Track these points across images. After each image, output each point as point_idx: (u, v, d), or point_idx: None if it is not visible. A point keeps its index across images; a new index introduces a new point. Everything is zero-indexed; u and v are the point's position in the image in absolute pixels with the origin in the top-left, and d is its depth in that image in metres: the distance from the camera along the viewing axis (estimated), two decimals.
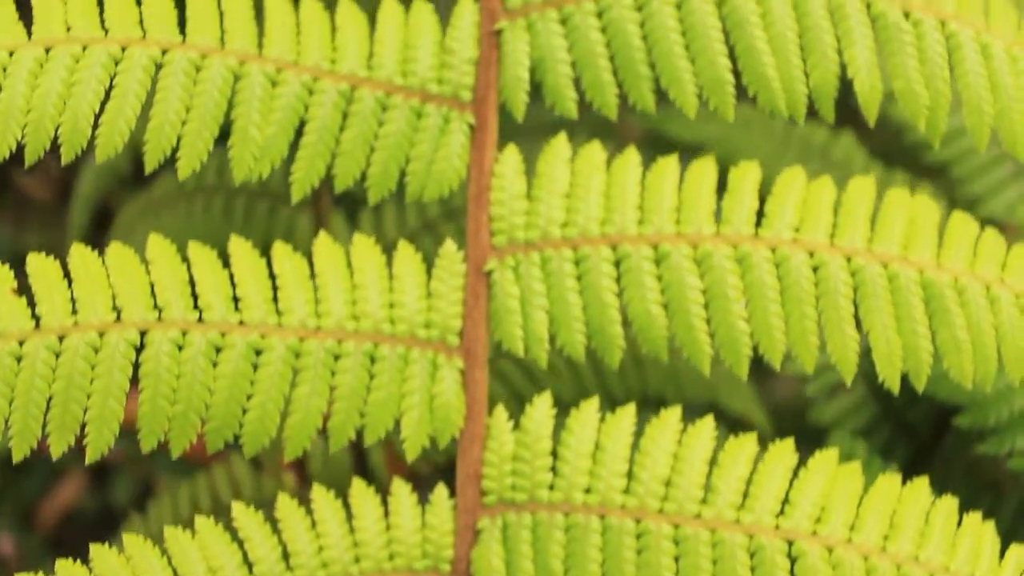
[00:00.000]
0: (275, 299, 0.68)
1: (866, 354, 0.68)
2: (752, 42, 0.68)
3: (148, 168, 0.66)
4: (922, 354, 0.68)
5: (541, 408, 0.69)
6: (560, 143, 0.70)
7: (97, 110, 0.66)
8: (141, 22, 0.67)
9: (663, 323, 0.68)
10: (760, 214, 0.69)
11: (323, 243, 0.69)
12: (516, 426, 0.69)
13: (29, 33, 0.67)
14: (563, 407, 0.70)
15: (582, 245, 0.68)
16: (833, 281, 0.68)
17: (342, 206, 1.05)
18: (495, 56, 0.70)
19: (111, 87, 0.66)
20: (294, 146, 0.69)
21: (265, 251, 0.69)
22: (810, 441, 0.75)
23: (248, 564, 0.67)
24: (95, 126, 0.66)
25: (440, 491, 0.69)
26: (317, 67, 0.69)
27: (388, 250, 0.70)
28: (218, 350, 0.67)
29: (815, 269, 0.68)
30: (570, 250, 0.68)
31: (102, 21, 0.67)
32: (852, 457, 0.84)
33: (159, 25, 0.67)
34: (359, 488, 0.69)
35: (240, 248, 0.68)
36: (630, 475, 0.68)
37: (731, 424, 0.88)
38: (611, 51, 0.69)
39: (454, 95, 0.70)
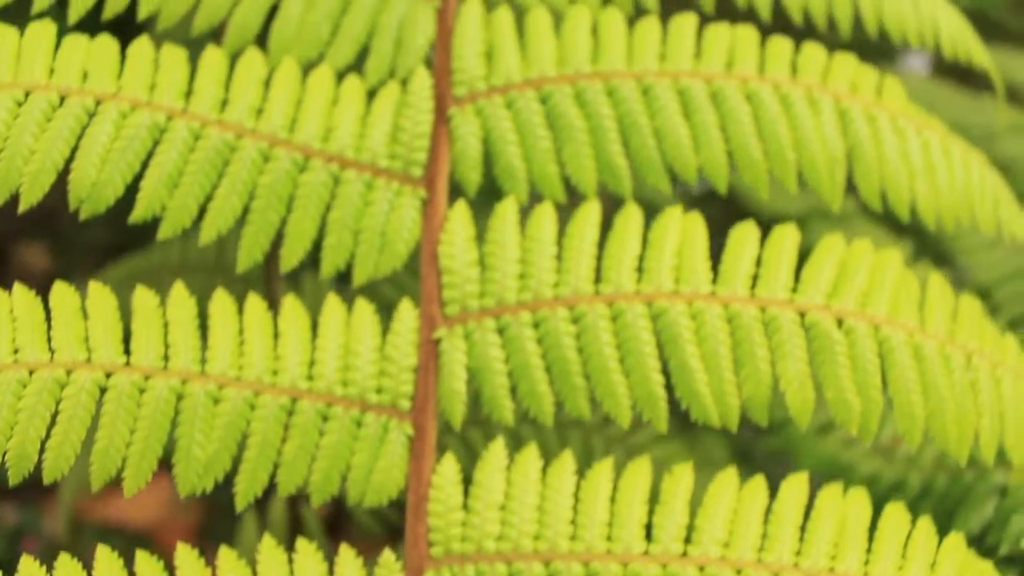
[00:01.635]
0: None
1: None
2: (685, 359, 0.70)
3: (95, 488, 0.68)
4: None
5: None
6: (497, 449, 0.71)
7: (44, 436, 0.68)
8: (87, 340, 0.70)
9: None
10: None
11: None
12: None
13: None
14: None
15: (515, 560, 0.70)
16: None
17: None
18: (434, 364, 0.72)
19: (57, 411, 0.68)
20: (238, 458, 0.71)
21: None
22: None
23: None
24: (42, 450, 0.68)
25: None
26: (259, 380, 0.71)
27: None
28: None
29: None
30: (504, 564, 0.70)
31: (49, 341, 0.69)
32: None
33: (104, 345, 0.70)
34: (304, 547, 0.70)
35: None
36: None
37: None
38: (547, 362, 0.71)
39: (393, 404, 0.72)
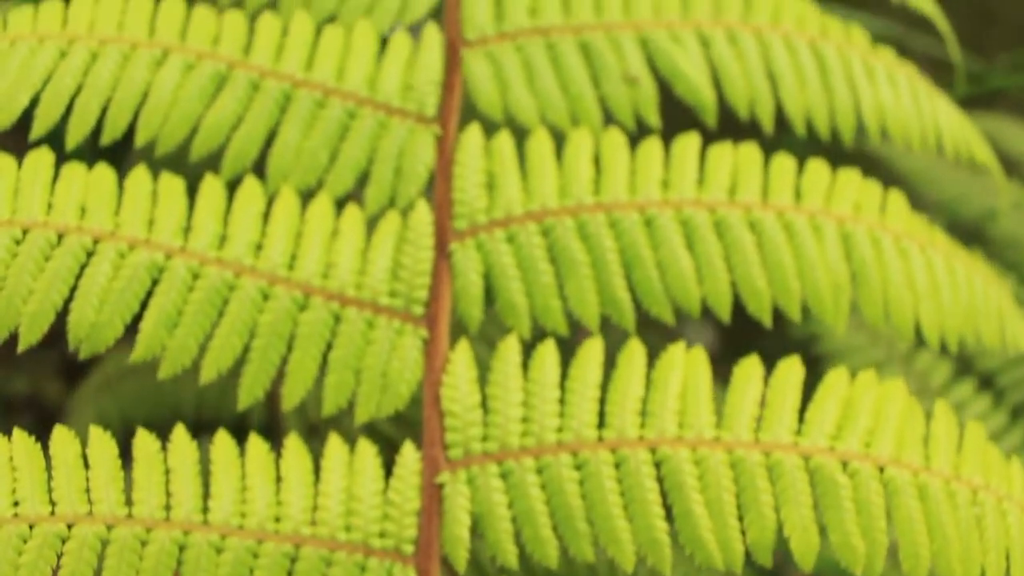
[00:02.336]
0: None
1: None
2: (689, 506, 0.69)
3: None
4: None
5: None
6: None
7: None
8: (88, 491, 0.69)
9: None
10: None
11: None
12: None
13: None
14: None
15: None
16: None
17: None
18: (437, 508, 0.72)
19: (58, 565, 0.68)
20: None
21: None
22: None
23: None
24: None
25: None
26: (262, 528, 0.70)
27: None
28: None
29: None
30: None
31: (50, 492, 0.69)
32: None
33: (106, 498, 0.69)
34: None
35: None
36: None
37: None
38: (551, 508, 0.70)
39: (396, 549, 0.71)
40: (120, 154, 0.80)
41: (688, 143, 0.78)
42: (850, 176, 0.80)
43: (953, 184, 1.14)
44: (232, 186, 0.77)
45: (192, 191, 0.74)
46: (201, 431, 0.80)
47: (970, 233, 1.12)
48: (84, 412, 1.26)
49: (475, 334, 0.74)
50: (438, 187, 0.77)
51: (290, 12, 0.83)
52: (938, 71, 1.08)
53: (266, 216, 0.75)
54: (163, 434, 0.71)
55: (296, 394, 0.73)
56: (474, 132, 0.77)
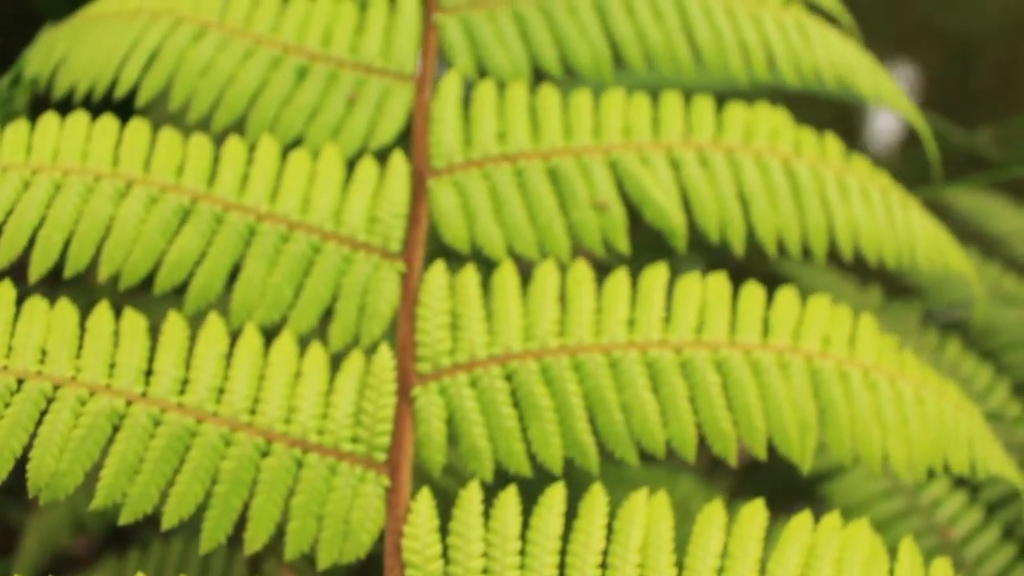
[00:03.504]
0: None
1: None
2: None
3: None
4: None
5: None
6: None
7: None
8: None
9: None
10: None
11: None
12: None
13: None
14: None
15: None
16: None
17: None
18: None
19: None
20: None
21: None
22: None
23: None
24: None
25: None
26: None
27: None
28: None
29: None
30: None
31: None
32: None
33: None
34: None
35: None
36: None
37: None
38: None
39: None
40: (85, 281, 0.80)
41: (655, 276, 0.78)
42: (820, 307, 0.79)
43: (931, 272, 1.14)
44: (196, 320, 0.76)
45: (155, 336, 0.74)
46: None
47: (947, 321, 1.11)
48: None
49: (437, 479, 0.74)
50: (402, 327, 0.76)
51: (257, 135, 0.82)
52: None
53: (229, 357, 0.74)
54: None
55: (259, 539, 0.72)
56: (438, 271, 0.77)
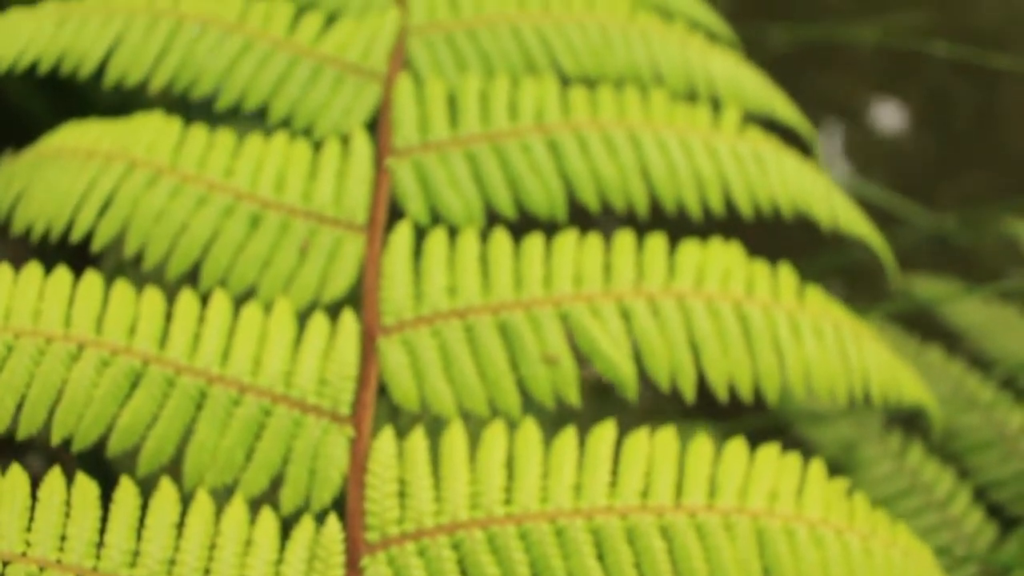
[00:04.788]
0: None
1: None
2: None
3: None
4: None
5: None
6: None
7: None
8: None
9: None
10: None
11: None
12: None
13: None
14: None
15: None
16: None
17: None
18: None
19: None
20: None
21: None
22: None
23: None
24: None
25: None
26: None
27: None
28: None
29: None
30: None
31: None
32: None
33: None
34: None
35: None
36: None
37: None
38: None
39: None
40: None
41: (602, 436, 0.78)
42: (768, 460, 0.80)
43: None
44: (149, 483, 0.77)
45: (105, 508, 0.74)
46: None
47: (909, 421, 1.12)
48: None
49: None
50: (351, 495, 0.77)
51: (211, 284, 0.83)
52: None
53: (180, 526, 0.75)
54: None
55: None
56: (387, 438, 0.77)
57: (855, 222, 0.96)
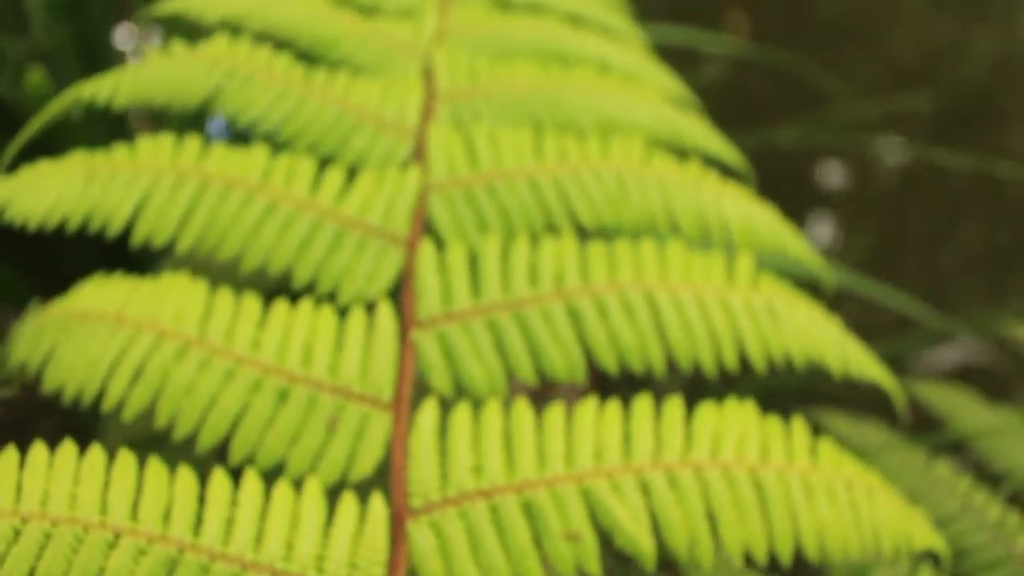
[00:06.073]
0: None
1: None
2: None
3: None
4: None
5: None
6: None
7: None
8: None
9: None
10: None
11: None
12: None
13: None
14: None
15: None
16: None
17: None
18: None
19: None
20: None
21: None
22: None
23: None
24: None
25: None
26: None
27: None
28: None
29: None
30: None
31: None
32: None
33: None
34: None
35: None
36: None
37: None
38: None
39: None
40: None
41: None
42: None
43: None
44: None
45: None
46: None
47: None
48: None
49: None
50: None
51: (241, 457, 0.85)
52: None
53: None
54: None
55: None
56: None
57: (866, 364, 0.99)
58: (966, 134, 2.53)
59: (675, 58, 1.39)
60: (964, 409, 1.22)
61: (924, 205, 2.37)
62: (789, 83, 2.51)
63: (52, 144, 1.23)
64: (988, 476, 1.18)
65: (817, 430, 1.35)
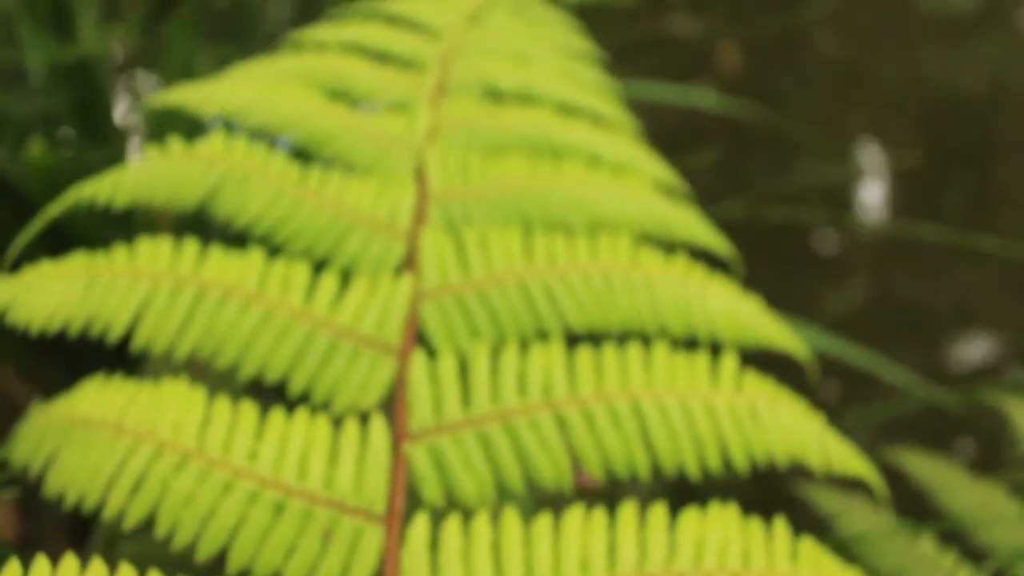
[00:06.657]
0: None
1: None
2: None
3: None
4: None
5: None
6: None
7: None
8: None
9: None
10: None
11: None
12: None
13: None
14: None
15: None
16: None
17: None
18: None
19: None
20: None
21: None
22: None
23: None
24: None
25: None
26: None
27: None
28: None
29: None
30: None
31: None
32: None
33: None
34: None
35: None
36: None
37: None
38: None
39: None
40: None
41: None
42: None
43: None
44: None
45: None
46: None
47: None
48: None
49: None
50: None
51: (239, 568, 0.88)
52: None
53: None
54: None
55: None
56: None
57: (848, 458, 1.01)
58: (957, 169, 2.55)
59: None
60: (949, 483, 1.24)
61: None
62: (779, 131, 2.54)
63: (57, 226, 1.26)
64: (970, 551, 1.20)
65: (803, 507, 1.38)
